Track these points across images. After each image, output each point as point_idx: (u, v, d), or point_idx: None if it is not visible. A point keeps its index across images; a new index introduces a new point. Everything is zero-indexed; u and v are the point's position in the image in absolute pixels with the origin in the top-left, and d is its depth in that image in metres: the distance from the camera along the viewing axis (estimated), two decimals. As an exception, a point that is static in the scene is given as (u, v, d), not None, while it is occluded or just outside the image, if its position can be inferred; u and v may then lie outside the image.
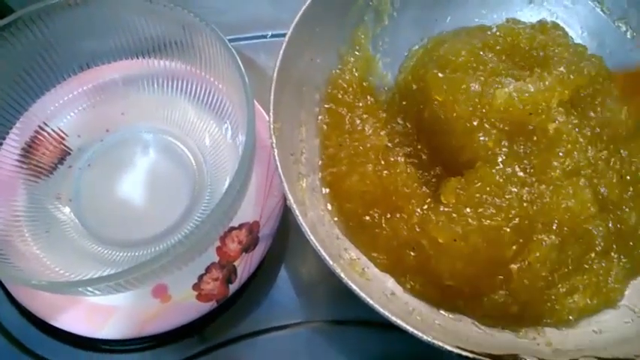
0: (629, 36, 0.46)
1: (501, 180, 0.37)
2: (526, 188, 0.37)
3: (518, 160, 0.38)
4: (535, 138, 0.39)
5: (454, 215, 0.36)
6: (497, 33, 0.45)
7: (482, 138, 0.39)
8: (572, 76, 0.40)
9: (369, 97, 0.45)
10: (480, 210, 0.36)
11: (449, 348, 0.30)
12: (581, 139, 0.39)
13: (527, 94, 0.39)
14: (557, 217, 0.36)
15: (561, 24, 0.48)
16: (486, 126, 0.39)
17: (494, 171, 0.37)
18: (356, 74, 0.46)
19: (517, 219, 0.36)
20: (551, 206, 0.36)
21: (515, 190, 0.37)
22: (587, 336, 0.36)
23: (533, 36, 0.45)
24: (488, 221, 0.36)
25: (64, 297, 0.42)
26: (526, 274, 0.36)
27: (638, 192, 0.41)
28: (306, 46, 0.42)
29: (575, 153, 0.38)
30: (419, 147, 0.43)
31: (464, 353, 0.30)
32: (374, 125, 0.44)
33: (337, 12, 0.45)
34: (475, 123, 0.39)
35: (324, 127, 0.44)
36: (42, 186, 0.45)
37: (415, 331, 0.30)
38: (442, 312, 0.38)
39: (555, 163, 0.37)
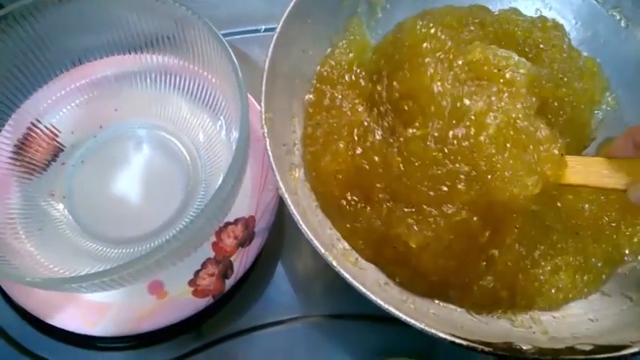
0: (623, 24, 0.46)
1: (438, 154, 0.36)
2: (463, 165, 0.36)
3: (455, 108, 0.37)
4: (484, 85, 0.38)
5: (420, 217, 0.36)
6: (496, 16, 0.45)
7: (429, 66, 0.38)
8: (547, 84, 0.40)
9: (355, 69, 0.45)
10: (444, 208, 0.36)
11: (442, 335, 0.30)
12: (533, 100, 0.37)
13: (501, 55, 0.38)
14: (505, 200, 0.36)
15: (555, 14, 0.48)
16: (438, 60, 0.38)
17: (427, 144, 0.37)
18: (350, 55, 0.45)
19: (476, 205, 0.36)
20: (496, 189, 0.36)
21: (453, 165, 0.36)
22: (583, 324, 0.36)
23: (530, 31, 0.44)
24: (456, 217, 0.36)
25: (59, 295, 0.41)
26: (507, 256, 0.36)
27: None
28: (297, 37, 0.42)
29: (515, 107, 0.36)
30: (388, 111, 0.42)
31: (457, 341, 0.30)
32: (353, 101, 0.43)
33: (329, 4, 0.44)
34: (429, 60, 0.38)
35: (309, 108, 0.44)
36: (35, 183, 0.45)
37: (408, 319, 0.30)
38: (436, 301, 0.38)
39: (488, 120, 0.36)
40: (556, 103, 0.42)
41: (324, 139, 0.41)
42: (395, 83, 0.40)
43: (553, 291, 0.38)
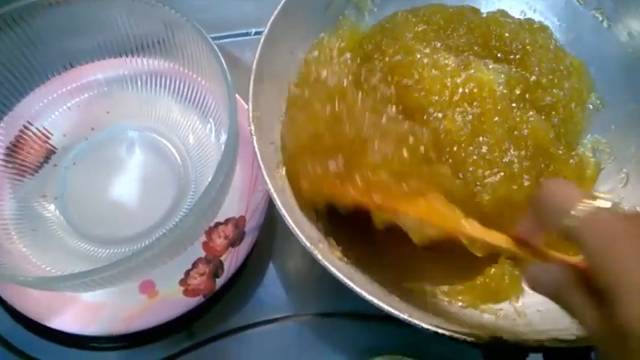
0: (605, 25, 0.46)
1: None
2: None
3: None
4: None
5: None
6: (484, 18, 0.46)
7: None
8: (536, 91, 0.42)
9: (344, 56, 0.45)
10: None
11: (426, 326, 0.30)
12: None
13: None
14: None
15: (540, 16, 0.48)
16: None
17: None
18: (342, 44, 0.45)
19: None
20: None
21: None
22: (566, 317, 0.36)
23: (518, 32, 0.45)
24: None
25: (51, 295, 0.42)
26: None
27: None
28: (285, 39, 0.42)
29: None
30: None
31: (440, 331, 0.30)
32: (340, 79, 0.42)
33: (317, 7, 0.45)
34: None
35: (294, 88, 0.43)
36: (27, 185, 0.45)
37: (393, 310, 0.30)
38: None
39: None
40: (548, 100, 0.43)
41: (301, 105, 0.40)
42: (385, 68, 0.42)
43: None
